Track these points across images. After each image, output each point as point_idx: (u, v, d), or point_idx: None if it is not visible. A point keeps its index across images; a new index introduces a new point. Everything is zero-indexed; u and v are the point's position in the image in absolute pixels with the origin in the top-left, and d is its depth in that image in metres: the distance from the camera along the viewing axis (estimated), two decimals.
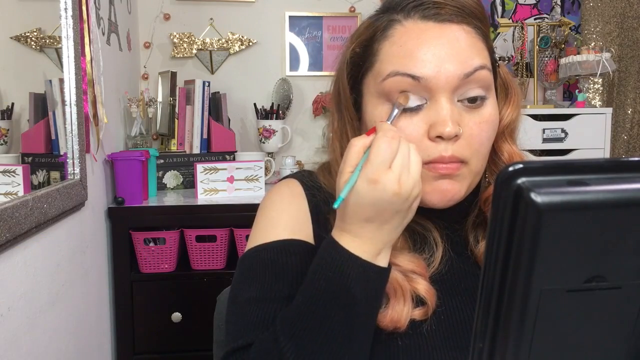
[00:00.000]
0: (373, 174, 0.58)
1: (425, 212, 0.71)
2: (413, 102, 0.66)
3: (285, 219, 0.74)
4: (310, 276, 0.63)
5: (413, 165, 0.60)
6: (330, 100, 0.77)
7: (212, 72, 2.40)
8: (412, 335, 0.67)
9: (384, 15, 0.71)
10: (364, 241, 0.61)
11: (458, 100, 0.66)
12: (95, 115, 1.56)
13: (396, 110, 0.65)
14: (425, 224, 0.72)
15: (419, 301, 0.67)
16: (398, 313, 0.65)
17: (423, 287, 0.67)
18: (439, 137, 0.65)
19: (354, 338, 0.61)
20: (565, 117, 2.22)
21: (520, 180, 0.36)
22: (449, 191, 0.67)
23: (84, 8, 1.45)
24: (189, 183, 2.13)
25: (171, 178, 2.13)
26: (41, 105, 1.32)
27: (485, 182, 0.74)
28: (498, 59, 0.73)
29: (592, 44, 2.35)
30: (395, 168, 0.59)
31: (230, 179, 1.97)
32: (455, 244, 0.74)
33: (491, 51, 0.71)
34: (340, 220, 0.63)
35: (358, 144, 0.62)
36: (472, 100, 0.66)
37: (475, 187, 0.72)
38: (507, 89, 0.74)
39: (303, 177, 0.79)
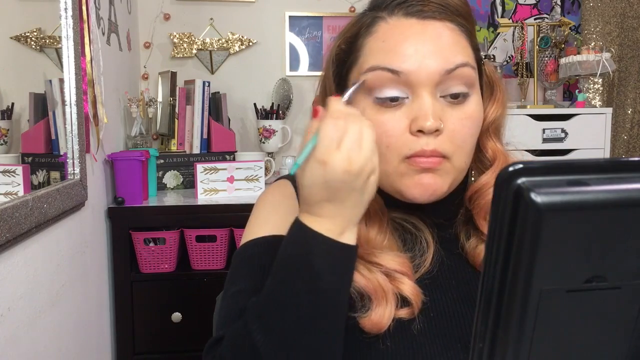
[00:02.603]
0: (322, 155, 0.59)
1: (415, 210, 0.72)
2: (391, 93, 0.66)
3: (274, 219, 0.75)
4: (277, 258, 0.64)
5: (365, 141, 0.60)
6: (317, 99, 0.78)
7: (212, 72, 2.40)
8: (402, 335, 0.67)
9: (369, 12, 0.72)
10: (325, 220, 0.62)
11: (440, 96, 0.67)
12: (95, 115, 1.56)
13: (353, 88, 0.66)
14: (417, 223, 0.73)
15: (404, 301, 0.67)
16: (379, 316, 0.65)
17: (408, 287, 0.67)
18: (420, 131, 0.65)
19: (322, 318, 0.61)
20: (565, 117, 2.22)
21: (520, 180, 0.36)
22: (430, 185, 0.67)
23: (84, 8, 1.45)
24: (189, 183, 2.13)
25: (171, 178, 2.13)
26: (41, 105, 1.32)
27: (470, 180, 0.74)
28: (485, 56, 0.74)
29: (592, 44, 2.35)
30: (344, 147, 0.59)
31: (230, 179, 1.97)
32: (446, 242, 0.74)
33: (476, 49, 0.71)
34: (302, 202, 0.64)
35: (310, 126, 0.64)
36: (455, 96, 0.67)
37: (462, 184, 0.73)
38: (492, 86, 0.74)
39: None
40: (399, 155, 0.67)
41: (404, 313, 0.67)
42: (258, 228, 0.75)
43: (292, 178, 0.80)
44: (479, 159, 0.74)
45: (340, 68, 0.73)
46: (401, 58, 0.65)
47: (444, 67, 0.65)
